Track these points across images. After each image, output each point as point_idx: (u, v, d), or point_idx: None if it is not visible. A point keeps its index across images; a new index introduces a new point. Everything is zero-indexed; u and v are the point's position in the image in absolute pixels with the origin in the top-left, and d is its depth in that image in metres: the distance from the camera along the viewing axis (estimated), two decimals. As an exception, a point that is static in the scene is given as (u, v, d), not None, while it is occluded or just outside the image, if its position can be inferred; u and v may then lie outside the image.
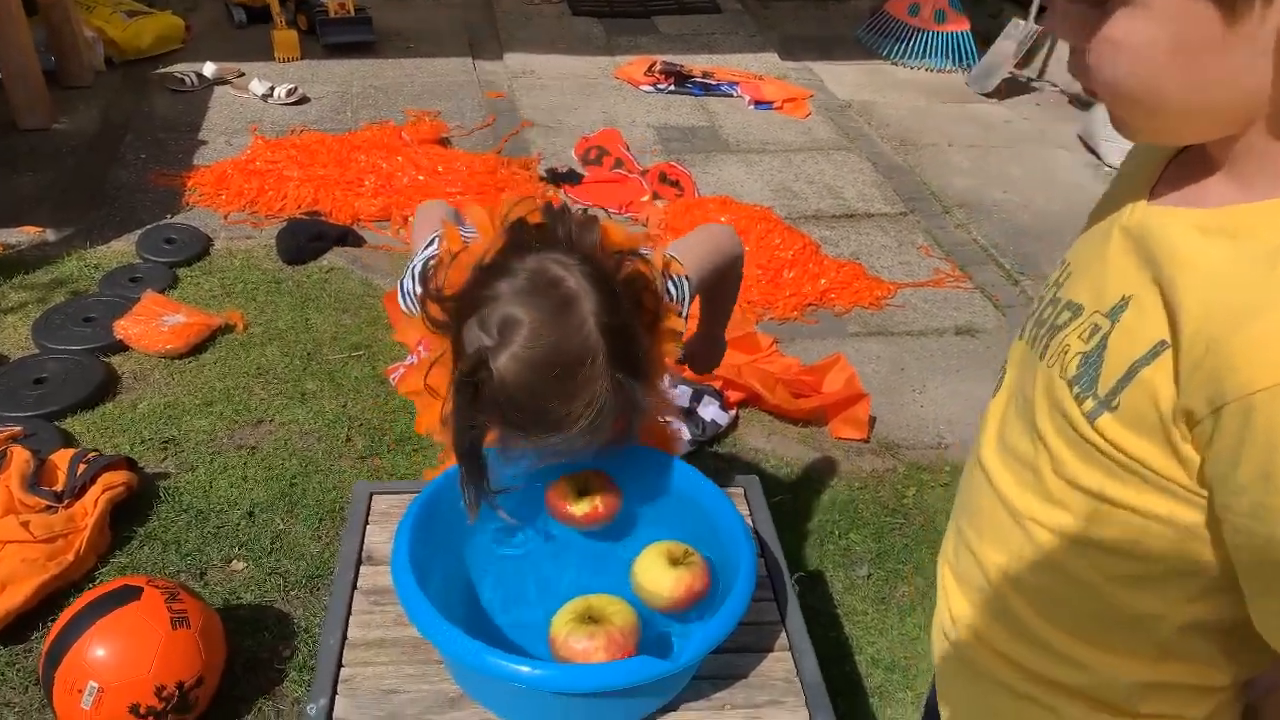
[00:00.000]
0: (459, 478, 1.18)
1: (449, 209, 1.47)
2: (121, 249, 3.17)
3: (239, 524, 2.24)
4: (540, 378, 1.04)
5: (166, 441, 2.46)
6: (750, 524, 1.45)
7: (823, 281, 3.18)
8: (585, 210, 1.25)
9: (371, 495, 1.48)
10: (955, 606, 0.91)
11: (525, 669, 1.01)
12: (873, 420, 2.66)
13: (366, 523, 1.44)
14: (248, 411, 2.58)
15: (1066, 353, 0.73)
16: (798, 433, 2.62)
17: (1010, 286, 3.36)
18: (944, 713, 1.01)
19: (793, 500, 2.40)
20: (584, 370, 1.05)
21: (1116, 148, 4.18)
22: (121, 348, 2.74)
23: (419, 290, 1.26)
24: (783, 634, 1.32)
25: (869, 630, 2.11)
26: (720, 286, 1.51)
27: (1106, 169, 4.21)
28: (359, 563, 1.37)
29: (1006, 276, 3.42)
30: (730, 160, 3.98)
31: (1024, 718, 0.85)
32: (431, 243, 1.31)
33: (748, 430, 2.60)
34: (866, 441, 2.62)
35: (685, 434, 2.46)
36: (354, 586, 1.34)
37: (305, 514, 2.27)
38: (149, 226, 3.24)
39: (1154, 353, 0.64)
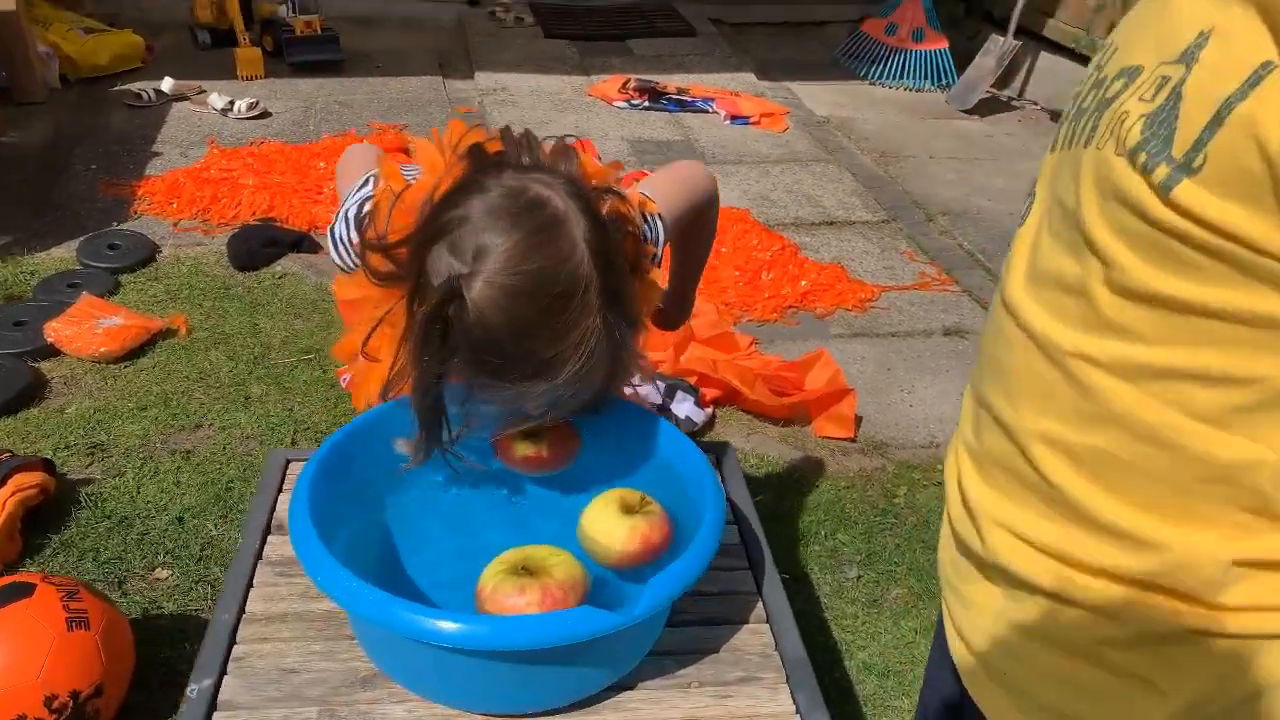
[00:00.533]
0: (417, 436, 0.99)
1: (381, 153, 1.28)
2: (62, 255, 2.99)
3: (166, 530, 2.04)
4: (524, 310, 0.86)
5: (94, 446, 2.26)
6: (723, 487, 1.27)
7: (803, 283, 3.02)
8: (562, 139, 1.03)
9: (288, 462, 1.30)
10: (978, 498, 0.73)
11: (433, 622, 0.82)
12: (859, 420, 2.49)
13: (280, 490, 1.25)
14: (185, 416, 2.39)
15: (1124, 121, 0.56)
16: (779, 432, 2.45)
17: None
18: (961, 652, 0.82)
19: (775, 501, 2.21)
20: (574, 303, 0.87)
21: (1101, 158, 4.08)
22: (53, 352, 2.54)
23: (355, 238, 1.07)
24: (759, 605, 1.14)
25: (859, 634, 1.91)
26: (695, 231, 1.33)
27: (1092, 179, 4.10)
28: (267, 531, 1.19)
29: (994, 279, 3.27)
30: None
31: (1079, 636, 0.67)
32: (366, 183, 1.12)
33: (725, 429, 2.42)
34: (853, 440, 2.44)
35: (654, 398, 2.28)
36: (258, 557, 1.15)
37: (241, 520, 2.07)
38: (92, 234, 3.06)
39: (1254, 79, 0.48)
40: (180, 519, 2.06)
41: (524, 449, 1.06)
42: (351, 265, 1.10)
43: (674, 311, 1.44)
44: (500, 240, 0.87)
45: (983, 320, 2.96)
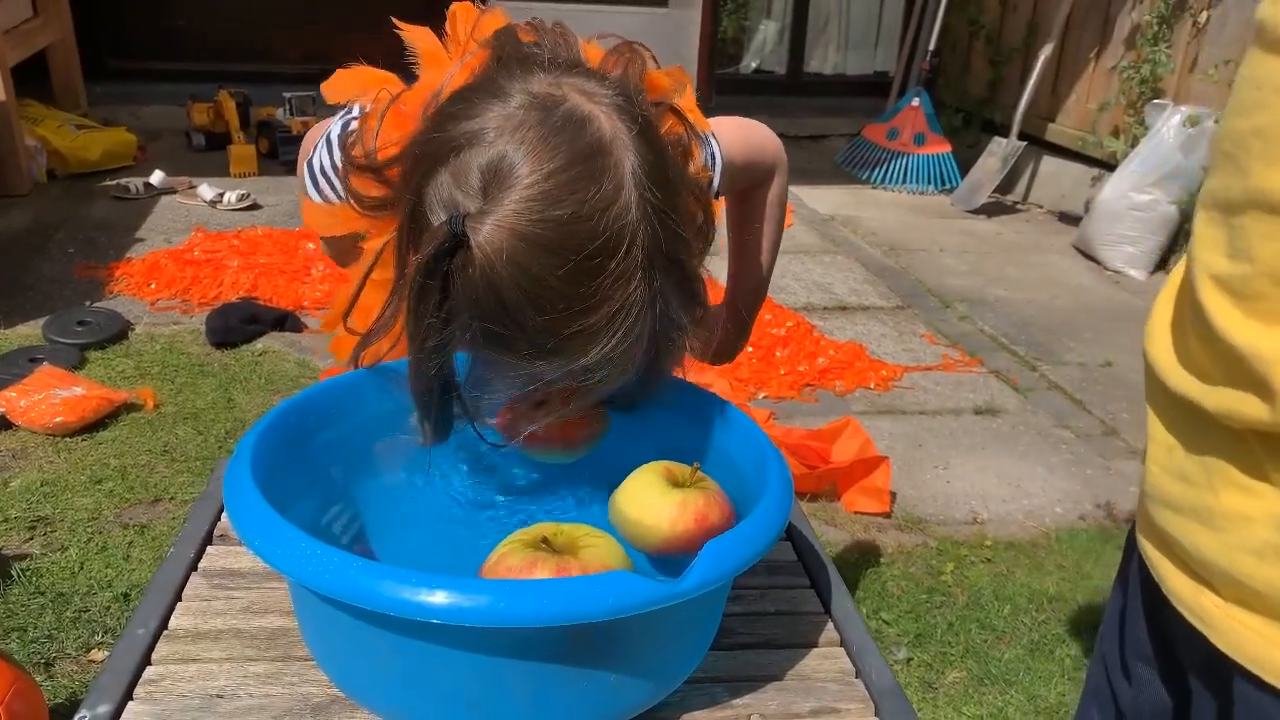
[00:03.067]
0: (419, 419, 0.76)
1: None
2: (27, 332, 2.79)
3: (108, 608, 1.76)
4: (545, 268, 0.64)
5: (37, 520, 2.01)
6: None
7: (821, 361, 2.83)
8: (623, 41, 0.79)
9: (242, 470, 1.06)
10: (1252, 342, 0.51)
11: (413, 591, 0.59)
12: (893, 495, 2.25)
13: (228, 498, 1.01)
14: (144, 489, 2.14)
15: None
16: (807, 506, 2.20)
17: (1028, 371, 3.03)
18: (1209, 605, 0.57)
19: (806, 578, 1.95)
20: (614, 265, 0.64)
21: (1117, 253, 3.97)
22: (5, 424, 2.31)
23: (339, 161, 0.84)
24: (828, 627, 0.89)
25: (917, 724, 1.63)
26: (752, 205, 1.08)
27: (1109, 273, 3.98)
28: (207, 540, 0.95)
29: (1022, 362, 3.09)
30: (712, 261, 3.69)
31: None
32: (352, 109, 0.89)
33: (746, 503, 2.18)
34: (888, 516, 2.20)
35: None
36: (193, 567, 0.91)
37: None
38: (61, 311, 2.87)
39: None
40: (126, 595, 1.80)
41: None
42: (333, 197, 0.89)
43: (727, 336, 1.16)
44: (522, 170, 0.64)
45: (1014, 400, 2.79)
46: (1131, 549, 0.70)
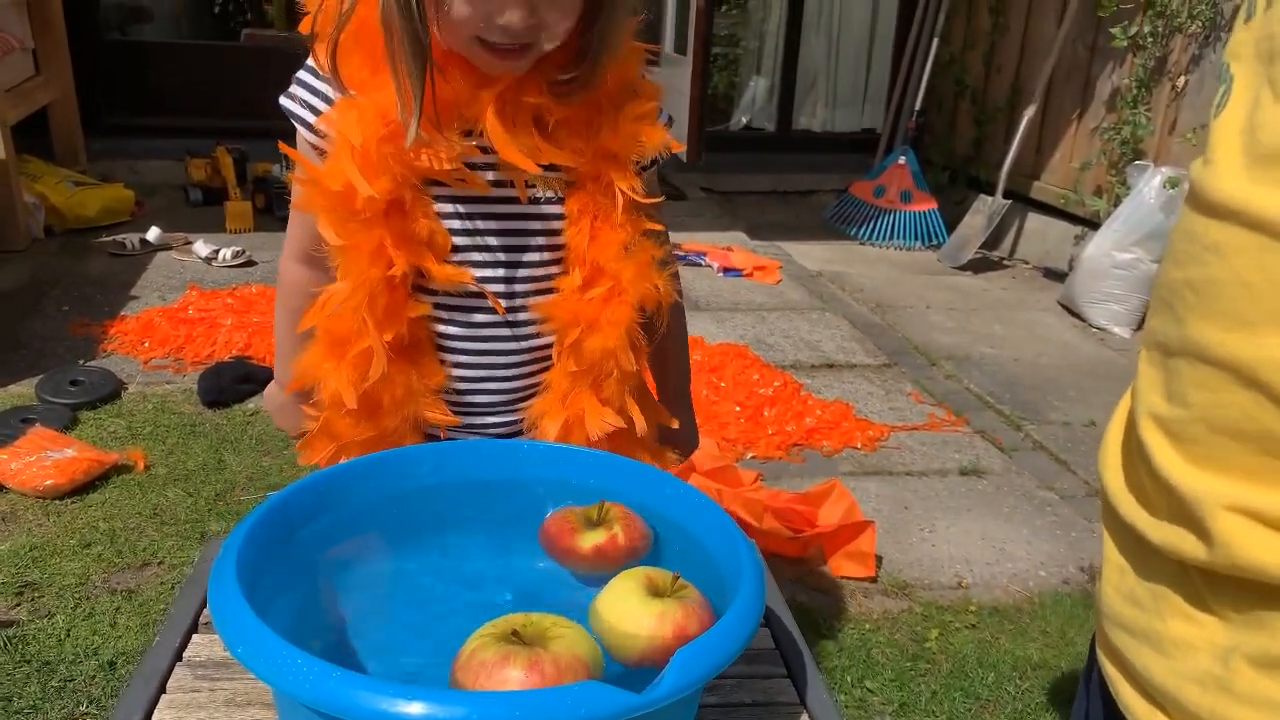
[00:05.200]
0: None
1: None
2: (19, 392, 2.81)
3: (94, 676, 1.77)
4: None
5: (24, 586, 2.01)
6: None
7: (808, 420, 2.86)
8: None
9: (229, 554, 1.08)
10: (1189, 483, 0.54)
11: (390, 703, 0.60)
12: (879, 558, 2.27)
13: (215, 584, 1.03)
14: (133, 554, 2.14)
15: None
16: (793, 570, 2.21)
17: (1013, 431, 3.06)
18: None
19: (791, 645, 1.96)
20: None
21: (1102, 310, 4.02)
22: (-5, 487, 2.33)
23: (310, 65, 1.04)
24: (803, 718, 0.91)
25: (900, 796, 1.63)
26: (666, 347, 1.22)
27: (1094, 330, 4.03)
28: (193, 629, 0.96)
29: (1007, 421, 3.12)
30: (701, 317, 3.75)
31: None
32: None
33: (732, 567, 2.19)
34: (873, 580, 2.21)
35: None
36: (178, 657, 0.92)
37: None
38: (54, 370, 2.89)
39: None
40: (112, 664, 1.80)
41: (594, 537, 0.86)
42: (320, 108, 1.03)
43: (685, 429, 1.30)
44: None
45: (999, 461, 2.81)
46: (1094, 655, 0.72)
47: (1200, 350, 0.55)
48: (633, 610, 0.78)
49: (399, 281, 1.02)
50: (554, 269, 1.09)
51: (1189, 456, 0.56)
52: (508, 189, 1.05)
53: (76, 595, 2.00)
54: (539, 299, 1.08)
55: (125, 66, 5.45)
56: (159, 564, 2.13)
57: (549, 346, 1.11)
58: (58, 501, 2.30)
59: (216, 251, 3.90)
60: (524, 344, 1.11)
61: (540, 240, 1.08)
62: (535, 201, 1.06)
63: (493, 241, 1.06)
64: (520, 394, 1.14)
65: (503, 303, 1.07)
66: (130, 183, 4.68)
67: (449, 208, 1.05)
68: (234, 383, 2.86)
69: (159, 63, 5.59)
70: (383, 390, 1.06)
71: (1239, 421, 0.53)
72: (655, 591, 0.80)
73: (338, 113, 1.01)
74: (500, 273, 1.07)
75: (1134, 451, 0.62)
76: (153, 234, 4.04)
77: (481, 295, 1.07)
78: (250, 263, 3.93)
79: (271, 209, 4.57)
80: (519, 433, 1.17)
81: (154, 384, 2.92)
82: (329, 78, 1.00)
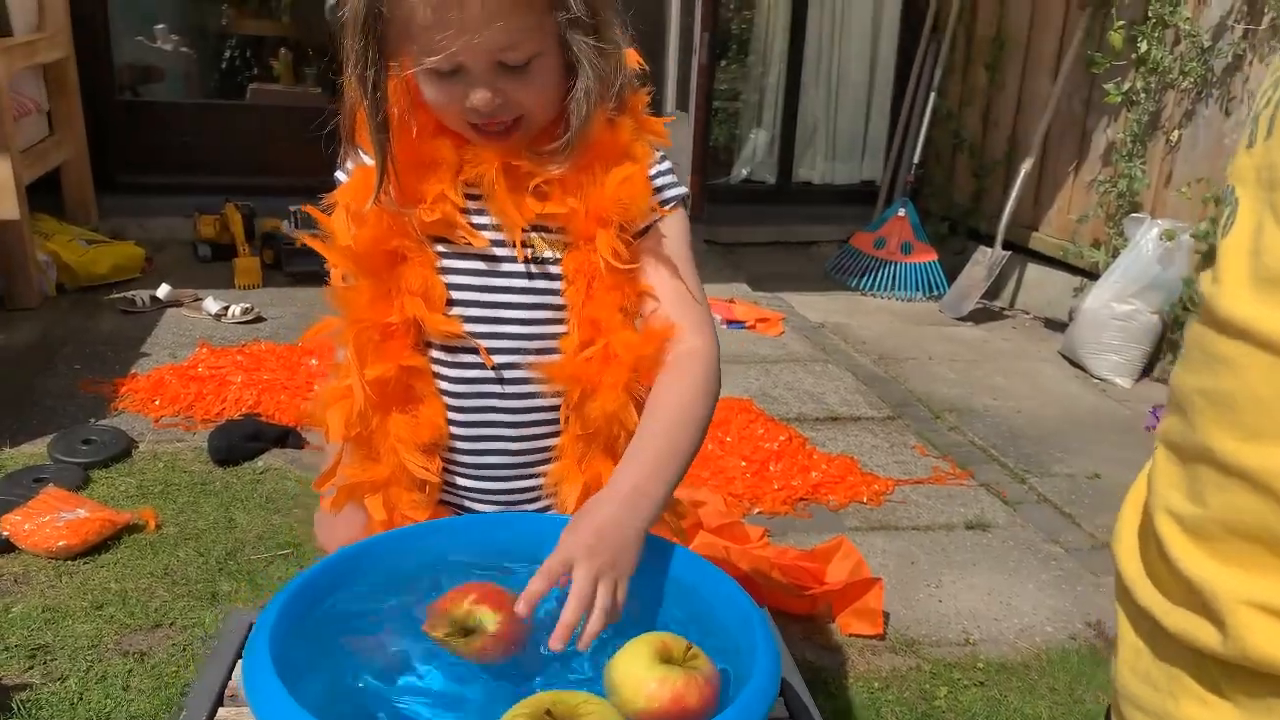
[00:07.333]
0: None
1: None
2: (32, 451, 2.84)
3: (107, 741, 1.78)
4: None
5: (37, 649, 2.02)
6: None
7: (814, 475, 2.88)
8: None
9: (252, 626, 1.10)
10: (1208, 578, 0.57)
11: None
12: (886, 616, 2.27)
13: (238, 656, 1.05)
14: (144, 615, 2.16)
15: None
16: (801, 628, 2.22)
17: (1017, 484, 3.07)
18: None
19: (801, 704, 1.96)
20: None
21: (1103, 361, 4.06)
22: (9, 547, 2.34)
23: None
24: (821, 792, 0.93)
25: None
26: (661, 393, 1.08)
27: (1096, 381, 4.06)
28: (218, 703, 0.98)
29: (1011, 475, 3.14)
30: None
31: None
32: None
33: (741, 625, 2.20)
34: (881, 638, 2.22)
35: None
36: (205, 731, 0.94)
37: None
38: (66, 429, 2.92)
39: None
40: (124, 728, 1.81)
41: (471, 642, 0.87)
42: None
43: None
44: None
45: (1004, 515, 2.83)
46: None
47: (1215, 457, 0.58)
48: (638, 673, 0.81)
49: (397, 329, 1.09)
50: (556, 328, 1.12)
51: (1207, 552, 0.59)
52: (508, 248, 1.09)
53: (89, 658, 2.01)
54: (539, 359, 1.11)
55: (136, 125, 5.54)
56: (170, 625, 2.14)
57: (553, 409, 1.14)
58: (70, 562, 2.32)
59: (226, 308, 3.94)
60: (524, 403, 1.13)
61: (537, 299, 1.11)
62: (536, 261, 1.10)
63: (489, 298, 1.11)
64: (529, 458, 1.16)
65: (497, 358, 1.11)
66: (140, 239, 4.75)
67: (450, 263, 1.10)
68: (244, 440, 2.89)
69: (168, 121, 5.68)
70: (379, 438, 1.12)
71: (1254, 527, 0.56)
72: (666, 657, 0.82)
73: (352, 176, 1.11)
74: (496, 329, 1.11)
75: (1149, 539, 0.65)
76: (163, 291, 4.09)
77: (475, 350, 1.11)
78: (259, 319, 3.97)
79: (280, 265, 4.63)
80: (539, 499, 1.19)
81: (165, 442, 2.95)
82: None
